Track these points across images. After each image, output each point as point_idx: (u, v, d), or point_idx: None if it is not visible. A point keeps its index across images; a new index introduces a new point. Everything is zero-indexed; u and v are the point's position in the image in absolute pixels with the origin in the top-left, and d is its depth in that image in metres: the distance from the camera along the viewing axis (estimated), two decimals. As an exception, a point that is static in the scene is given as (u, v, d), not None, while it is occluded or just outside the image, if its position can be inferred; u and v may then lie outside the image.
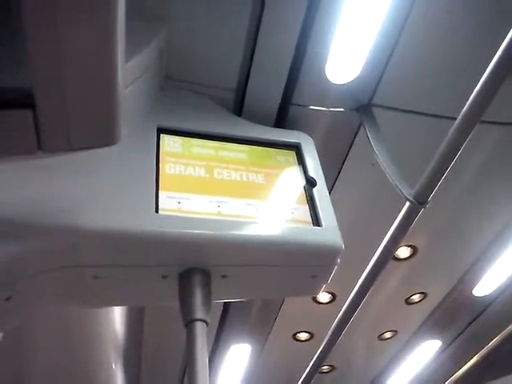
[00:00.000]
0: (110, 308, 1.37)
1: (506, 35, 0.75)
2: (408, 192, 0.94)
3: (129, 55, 0.55)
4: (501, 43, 0.76)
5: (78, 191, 0.69)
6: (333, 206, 0.84)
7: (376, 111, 1.07)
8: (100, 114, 0.52)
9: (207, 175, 0.81)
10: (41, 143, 0.51)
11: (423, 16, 0.96)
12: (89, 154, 0.59)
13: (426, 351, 2.21)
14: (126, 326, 1.63)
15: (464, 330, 2.07)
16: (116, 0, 0.45)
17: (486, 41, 0.91)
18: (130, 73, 0.75)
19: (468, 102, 0.81)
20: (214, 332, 1.82)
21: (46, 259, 0.65)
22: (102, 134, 0.53)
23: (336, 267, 0.81)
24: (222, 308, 1.68)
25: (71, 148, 0.53)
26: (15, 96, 0.50)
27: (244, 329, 1.88)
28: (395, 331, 2.08)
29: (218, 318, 1.72)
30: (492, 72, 0.77)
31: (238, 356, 2.06)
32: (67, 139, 0.52)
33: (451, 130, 0.84)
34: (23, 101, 0.49)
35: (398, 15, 0.94)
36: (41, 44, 0.46)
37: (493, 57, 0.76)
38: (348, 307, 1.28)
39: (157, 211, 0.72)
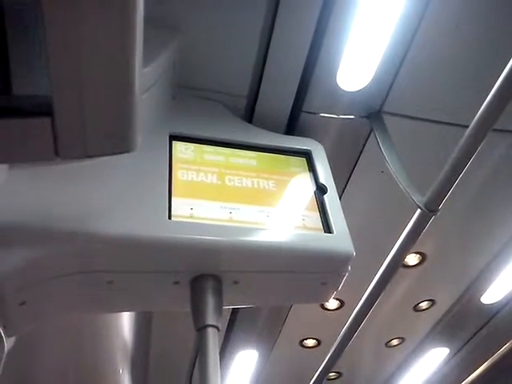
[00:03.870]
0: (118, 313, 1.37)
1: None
2: (419, 199, 0.94)
3: (144, 62, 0.55)
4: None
5: (92, 197, 0.70)
6: (343, 212, 0.85)
7: (386, 118, 1.08)
8: (117, 121, 0.52)
9: (219, 182, 0.82)
10: (58, 150, 0.51)
11: (433, 26, 0.96)
12: (103, 161, 0.60)
13: (434, 359, 2.20)
14: (133, 330, 1.63)
15: (472, 337, 2.06)
16: (135, 5, 0.46)
17: (497, 50, 0.91)
18: (146, 80, 0.76)
19: (480, 110, 0.81)
20: (222, 338, 1.82)
21: (60, 265, 0.66)
22: (119, 141, 0.53)
23: (346, 274, 0.81)
24: (229, 314, 1.68)
25: (88, 155, 0.53)
26: (33, 104, 0.51)
27: (251, 335, 1.88)
28: (403, 338, 2.07)
29: (226, 324, 1.72)
30: (504, 81, 0.77)
31: (246, 362, 2.06)
32: (84, 146, 0.52)
33: (463, 138, 0.84)
34: (41, 108, 0.50)
35: (409, 23, 0.95)
36: (61, 50, 0.46)
37: (505, 65, 0.76)
38: (356, 314, 1.28)
39: (170, 218, 0.72)
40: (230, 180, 0.83)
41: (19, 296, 0.65)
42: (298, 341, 2.04)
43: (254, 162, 0.88)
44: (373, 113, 1.08)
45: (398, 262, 1.08)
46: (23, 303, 0.65)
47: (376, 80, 1.01)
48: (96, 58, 0.48)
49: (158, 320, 1.63)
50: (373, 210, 1.35)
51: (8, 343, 0.67)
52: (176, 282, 0.74)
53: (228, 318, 1.70)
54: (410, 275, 1.64)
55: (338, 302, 1.78)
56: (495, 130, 0.83)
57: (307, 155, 0.93)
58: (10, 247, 0.63)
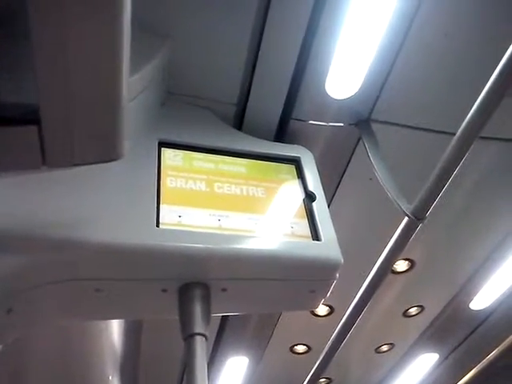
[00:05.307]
0: (107, 320, 1.36)
1: (503, 53, 0.76)
2: (406, 207, 0.94)
3: (132, 69, 0.55)
4: (499, 61, 0.77)
5: (79, 205, 0.70)
6: (331, 220, 0.85)
7: (375, 126, 1.08)
8: (104, 129, 0.53)
9: (208, 189, 0.82)
10: (45, 158, 0.51)
11: (421, 35, 0.97)
12: (91, 168, 0.60)
13: (423, 364, 2.21)
14: (123, 337, 1.63)
15: (461, 343, 2.07)
16: (122, 12, 0.46)
17: (484, 58, 0.92)
18: (134, 87, 0.76)
19: (467, 118, 0.82)
20: (212, 344, 1.81)
21: (47, 272, 0.66)
22: (106, 149, 0.54)
23: (335, 282, 0.81)
24: (219, 320, 1.68)
25: (75, 163, 0.53)
26: (20, 112, 0.51)
27: (241, 341, 1.88)
28: (392, 344, 2.07)
29: (216, 330, 1.72)
30: (491, 89, 0.77)
31: (236, 368, 2.05)
32: (71, 154, 0.52)
33: (450, 146, 0.85)
34: (28, 117, 0.50)
35: (397, 33, 0.96)
36: (48, 58, 0.46)
37: (491, 73, 0.77)
38: (346, 320, 1.28)
39: (158, 225, 0.72)
40: (218, 187, 0.83)
41: (6, 303, 0.64)
42: (288, 347, 2.03)
43: (243, 169, 0.89)
44: (361, 120, 1.08)
45: (386, 269, 1.09)
46: (10, 311, 0.65)
47: (365, 88, 1.02)
48: (83, 66, 0.48)
49: (147, 327, 1.63)
50: (361, 217, 1.35)
51: (-6, 351, 0.67)
52: (164, 290, 0.74)
53: (218, 324, 1.69)
54: (399, 281, 1.65)
55: (327, 308, 1.79)
56: (482, 137, 0.84)
57: (296, 162, 0.94)
58: (-3, 254, 0.62)
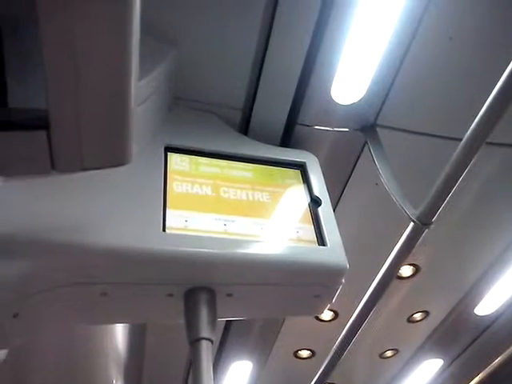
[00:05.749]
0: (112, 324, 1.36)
1: (510, 57, 0.76)
2: (412, 212, 0.94)
3: (140, 74, 0.55)
4: (506, 64, 0.76)
5: (87, 209, 0.70)
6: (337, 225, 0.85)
7: (380, 131, 1.08)
8: (113, 134, 0.53)
9: (214, 194, 0.82)
10: (54, 163, 0.52)
11: (426, 40, 0.97)
12: (98, 173, 0.60)
13: (428, 370, 2.19)
14: (127, 341, 1.63)
15: (466, 349, 2.06)
16: (132, 12, 0.46)
17: (491, 63, 0.92)
18: (141, 92, 0.76)
19: (473, 124, 0.81)
20: (216, 349, 1.81)
21: (54, 277, 0.66)
22: (115, 154, 0.54)
23: (340, 287, 0.81)
24: (223, 325, 1.68)
25: (83, 168, 0.53)
26: (29, 117, 0.51)
27: (245, 346, 1.88)
28: (397, 350, 2.07)
29: (220, 335, 1.72)
30: (498, 94, 0.77)
31: (240, 373, 2.05)
32: (80, 159, 0.52)
33: (456, 152, 0.85)
34: (37, 122, 0.50)
35: (403, 37, 0.96)
36: (57, 61, 0.47)
37: (499, 78, 0.77)
38: (351, 325, 1.28)
39: (164, 230, 0.72)
40: (224, 192, 0.83)
41: (12, 308, 0.64)
42: (293, 352, 2.03)
43: (248, 174, 0.89)
44: (367, 126, 1.09)
45: (391, 274, 1.09)
46: (16, 315, 0.65)
47: (370, 93, 1.02)
48: (92, 69, 0.48)
49: (152, 331, 1.63)
50: (367, 223, 1.35)
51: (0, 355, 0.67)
52: (170, 295, 0.74)
53: (222, 328, 1.69)
54: (404, 287, 1.64)
55: (332, 313, 1.78)
56: (488, 143, 0.84)
57: (302, 167, 0.94)
58: (3, 259, 0.63)
